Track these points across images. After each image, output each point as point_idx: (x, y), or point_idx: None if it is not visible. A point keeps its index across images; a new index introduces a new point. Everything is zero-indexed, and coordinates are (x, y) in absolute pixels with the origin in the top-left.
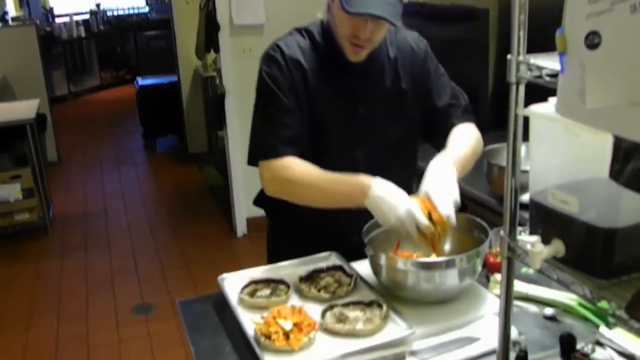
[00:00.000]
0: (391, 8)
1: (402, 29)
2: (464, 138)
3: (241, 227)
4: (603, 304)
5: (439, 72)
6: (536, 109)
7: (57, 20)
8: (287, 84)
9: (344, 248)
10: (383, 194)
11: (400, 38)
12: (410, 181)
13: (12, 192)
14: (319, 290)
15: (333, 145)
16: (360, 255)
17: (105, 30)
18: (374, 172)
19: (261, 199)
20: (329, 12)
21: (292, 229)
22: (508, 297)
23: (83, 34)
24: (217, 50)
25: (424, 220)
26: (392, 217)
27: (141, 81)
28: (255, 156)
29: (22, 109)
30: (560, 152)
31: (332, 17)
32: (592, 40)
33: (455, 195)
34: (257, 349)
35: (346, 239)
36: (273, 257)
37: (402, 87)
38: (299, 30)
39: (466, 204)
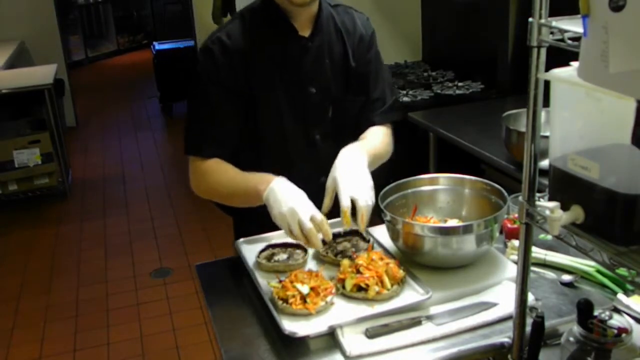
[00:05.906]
0: None
1: (351, 9)
2: (379, 136)
3: None
4: (622, 271)
5: (379, 61)
6: (557, 73)
7: None
8: (224, 79)
9: None
10: (278, 188)
11: (348, 18)
12: None
13: (31, 157)
14: (336, 255)
15: (289, 129)
16: None
17: None
18: (333, 153)
19: None
20: None
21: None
22: (525, 263)
23: None
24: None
25: (307, 223)
26: (275, 211)
27: (158, 46)
28: (186, 148)
29: (40, 74)
30: (581, 118)
31: None
32: (617, 3)
33: (368, 182)
34: (274, 312)
35: None
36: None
37: (351, 65)
38: (241, 14)
39: (484, 169)
